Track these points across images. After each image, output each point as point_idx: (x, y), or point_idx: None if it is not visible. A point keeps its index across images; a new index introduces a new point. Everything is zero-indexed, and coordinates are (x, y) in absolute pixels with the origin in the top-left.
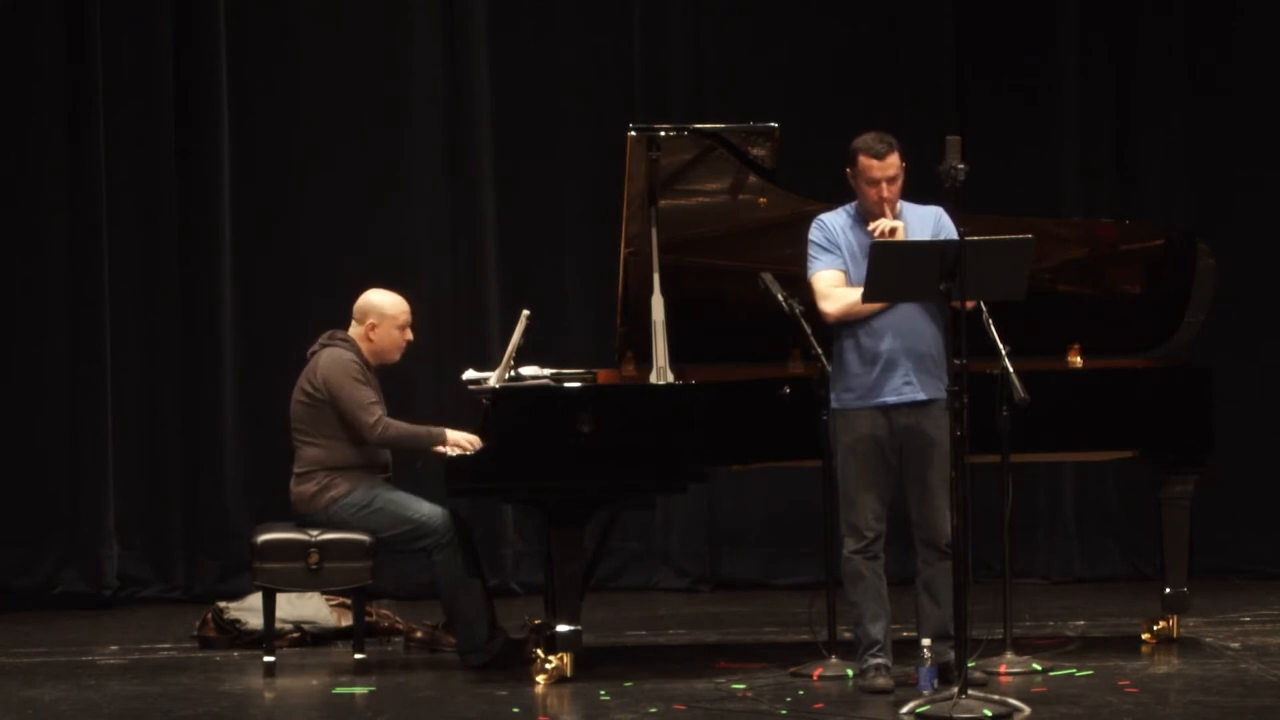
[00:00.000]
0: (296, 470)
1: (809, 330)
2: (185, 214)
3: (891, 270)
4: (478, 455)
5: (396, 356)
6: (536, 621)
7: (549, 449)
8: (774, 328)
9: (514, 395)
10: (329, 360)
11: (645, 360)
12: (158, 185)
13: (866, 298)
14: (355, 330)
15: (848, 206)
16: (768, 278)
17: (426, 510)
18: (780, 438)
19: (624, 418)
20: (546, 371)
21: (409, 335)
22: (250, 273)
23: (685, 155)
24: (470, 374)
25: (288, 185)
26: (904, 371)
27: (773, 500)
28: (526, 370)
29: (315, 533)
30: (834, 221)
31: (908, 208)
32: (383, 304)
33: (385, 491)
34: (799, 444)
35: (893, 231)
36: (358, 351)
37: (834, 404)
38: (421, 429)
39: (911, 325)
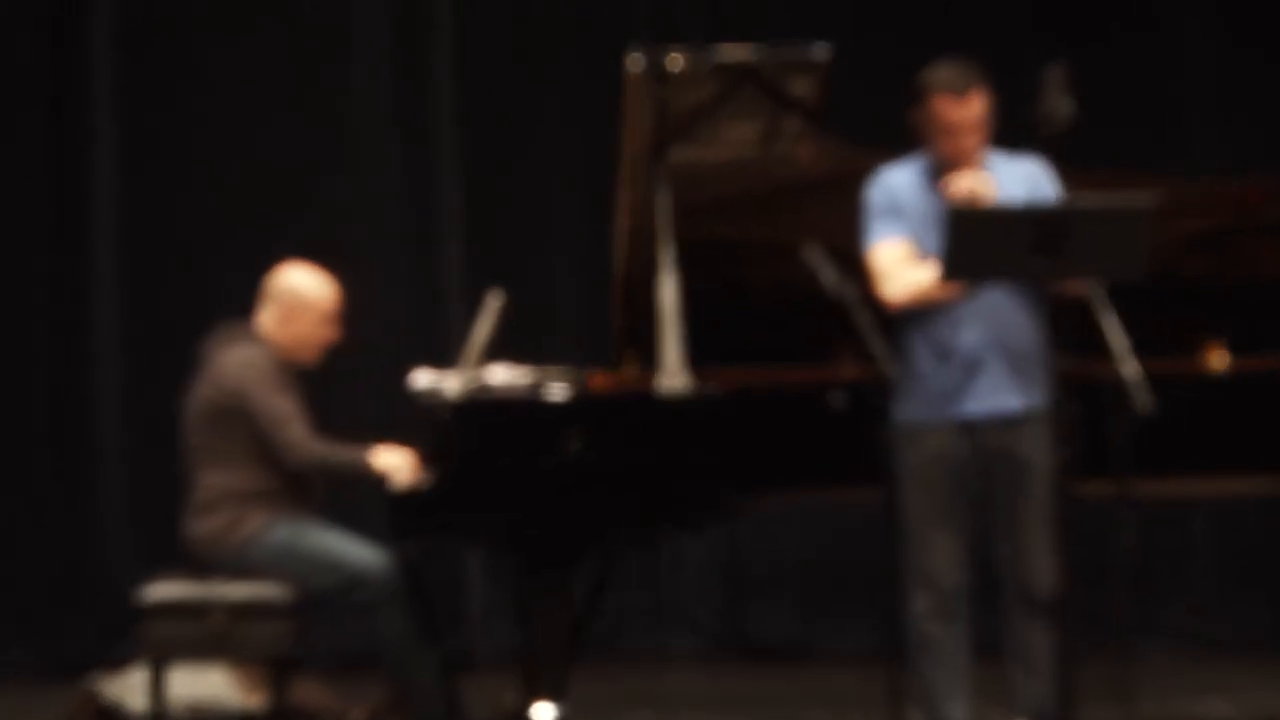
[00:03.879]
0: (196, 501)
1: (866, 321)
2: (57, 177)
3: (973, 244)
4: (433, 484)
5: (313, 357)
6: (510, 699)
7: (526, 475)
8: (818, 318)
9: (480, 409)
10: (239, 364)
11: (651, 359)
12: (26, 138)
13: (944, 277)
14: (265, 317)
15: (917, 159)
16: (812, 253)
17: (366, 556)
18: (826, 460)
19: (623, 436)
20: (523, 374)
21: (334, 332)
22: (141, 248)
23: (703, 93)
24: (423, 378)
25: (190, 146)
26: (992, 374)
27: (815, 540)
28: (498, 373)
29: (221, 583)
30: (899, 179)
31: (998, 160)
32: (302, 288)
33: (313, 529)
34: (850, 468)
35: (976, 191)
36: (272, 350)
37: (899, 416)
38: (349, 450)
39: (1001, 314)
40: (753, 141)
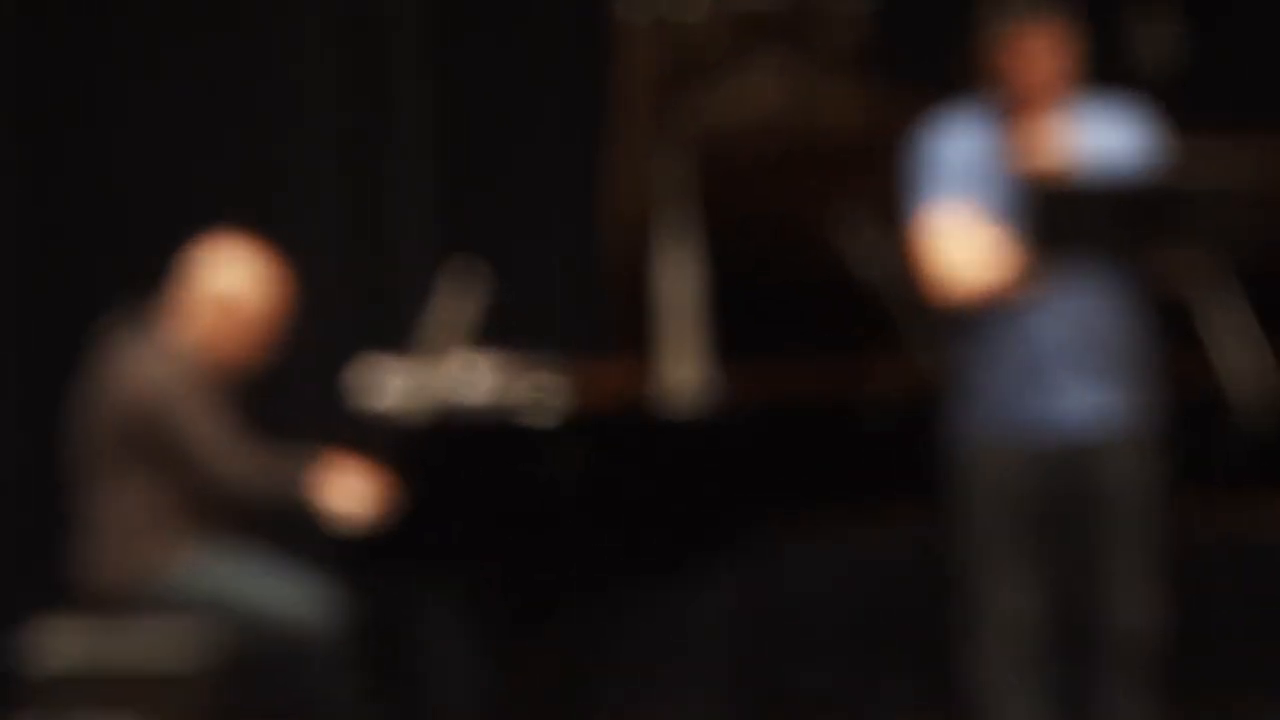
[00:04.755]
0: (93, 527)
1: (913, 314)
2: None
3: (1054, 223)
4: (391, 523)
5: (247, 365)
6: None
7: (506, 509)
8: (853, 310)
9: (451, 435)
10: (158, 377)
11: (654, 349)
12: None
13: (1015, 265)
14: (184, 312)
15: (979, 105)
16: (845, 230)
17: (302, 605)
18: (867, 488)
19: (623, 464)
20: (499, 367)
21: (273, 334)
22: (27, 221)
23: (715, 43)
24: (375, 380)
25: (95, 97)
26: (1075, 383)
27: (854, 582)
28: (467, 370)
29: (122, 631)
30: (957, 128)
31: (1087, 108)
32: (226, 286)
33: (236, 568)
34: (897, 497)
35: (1055, 153)
36: (193, 355)
37: (957, 435)
38: (292, 480)
39: (1086, 312)
40: (778, 103)
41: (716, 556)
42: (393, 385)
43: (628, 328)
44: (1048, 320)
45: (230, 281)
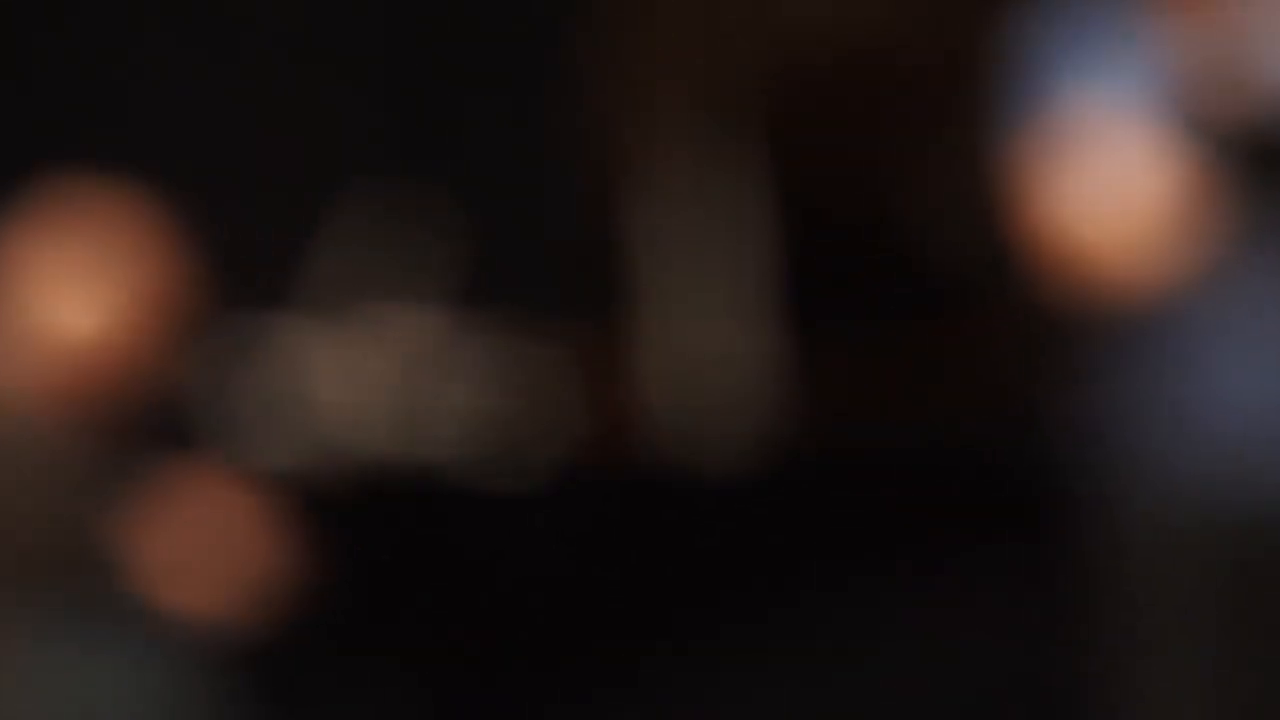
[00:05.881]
0: None
1: (1019, 308)
2: None
3: (1233, 190)
4: (299, 610)
5: (52, 411)
6: None
7: (469, 584)
8: (936, 296)
9: (392, 491)
10: None
11: (670, 320)
12: None
13: (1193, 218)
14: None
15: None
16: (922, 180)
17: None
18: (954, 550)
19: (630, 526)
20: (453, 377)
21: (146, 362)
22: None
23: None
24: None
25: None
26: (1274, 412)
27: (938, 683)
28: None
29: None
30: (1081, 26)
31: None
32: (70, 312)
33: (41, 653)
34: (1012, 569)
35: (1235, 59)
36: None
37: (1100, 491)
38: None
39: None
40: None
41: (747, 650)
42: (310, 396)
43: (616, 300)
44: (1232, 319)
45: (78, 303)
